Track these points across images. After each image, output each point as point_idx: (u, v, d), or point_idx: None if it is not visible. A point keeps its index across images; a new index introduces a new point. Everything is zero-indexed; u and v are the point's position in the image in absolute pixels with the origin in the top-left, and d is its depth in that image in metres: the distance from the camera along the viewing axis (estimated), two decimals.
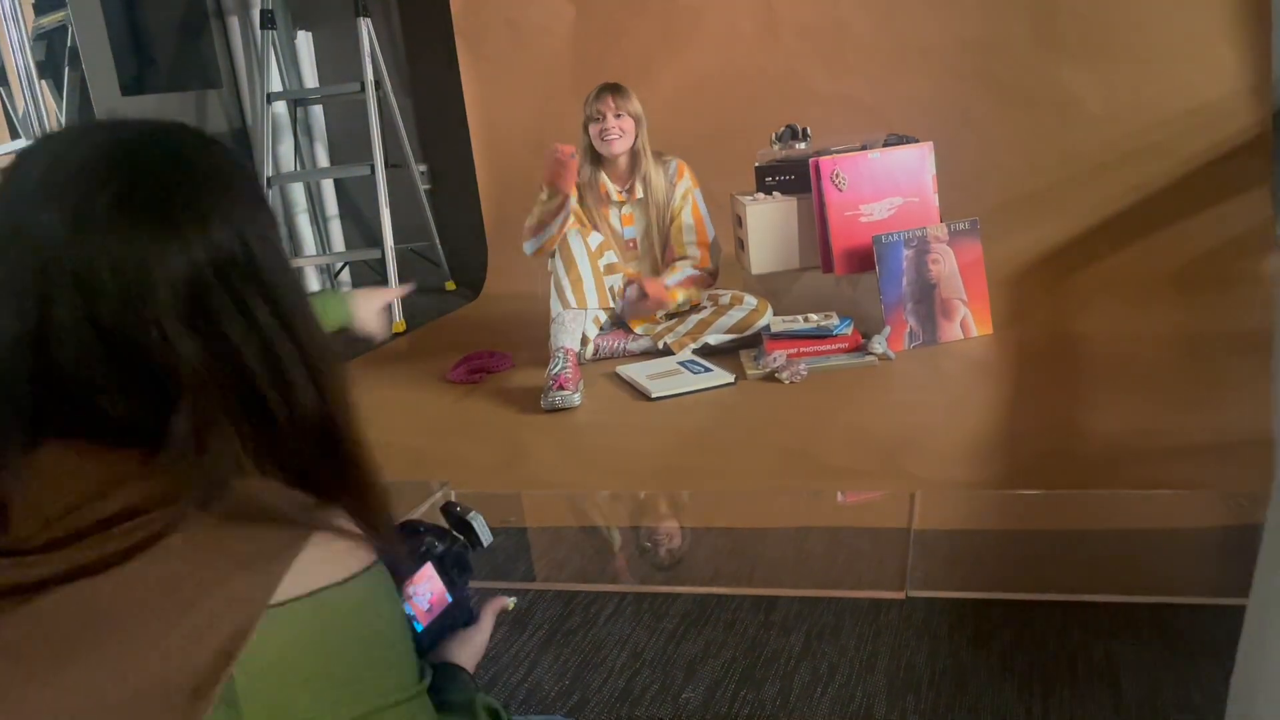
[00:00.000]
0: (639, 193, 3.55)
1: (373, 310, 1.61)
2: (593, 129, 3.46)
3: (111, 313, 0.66)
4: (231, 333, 0.69)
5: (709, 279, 3.60)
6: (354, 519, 0.70)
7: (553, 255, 3.42)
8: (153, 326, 0.67)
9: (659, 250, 3.61)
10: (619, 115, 3.43)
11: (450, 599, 0.97)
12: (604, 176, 3.55)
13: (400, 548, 0.79)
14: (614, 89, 3.46)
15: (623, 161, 3.53)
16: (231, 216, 0.71)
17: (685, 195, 3.58)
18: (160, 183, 0.70)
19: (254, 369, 0.70)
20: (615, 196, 3.56)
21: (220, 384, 0.69)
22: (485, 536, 1.04)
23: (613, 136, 3.44)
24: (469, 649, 0.96)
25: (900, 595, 1.86)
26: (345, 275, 5.30)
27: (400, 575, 0.77)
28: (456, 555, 1.00)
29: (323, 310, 1.45)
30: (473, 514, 1.04)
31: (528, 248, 3.45)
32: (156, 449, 0.67)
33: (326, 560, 0.66)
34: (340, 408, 0.75)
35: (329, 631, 0.65)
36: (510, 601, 1.07)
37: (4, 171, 0.72)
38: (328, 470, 0.74)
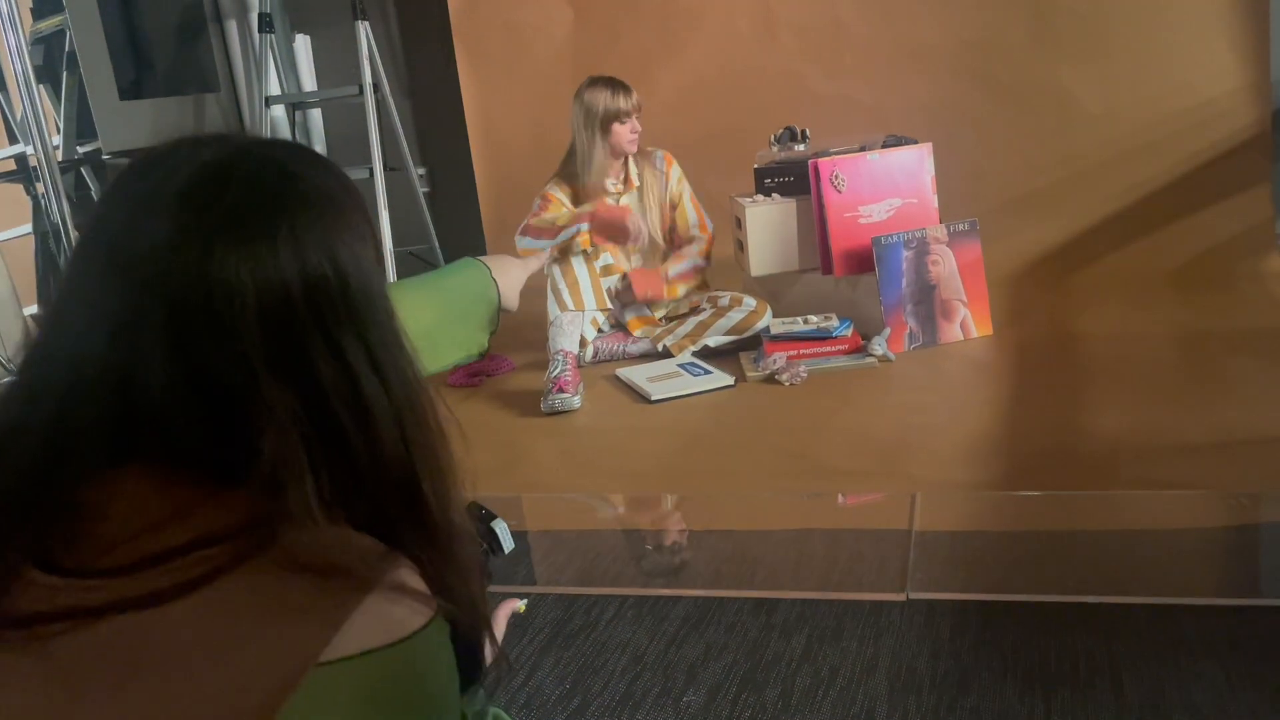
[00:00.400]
0: (635, 182, 3.56)
1: (516, 284, 1.46)
2: (621, 129, 3.45)
3: (201, 346, 0.65)
4: (319, 372, 0.67)
5: (706, 265, 3.63)
6: (422, 574, 0.67)
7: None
8: (240, 364, 0.65)
9: (660, 238, 3.60)
10: (638, 115, 3.48)
11: None
12: None
13: (469, 614, 0.73)
14: (625, 86, 3.48)
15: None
16: (329, 241, 0.69)
17: (680, 181, 3.63)
18: (260, 204, 0.68)
19: (339, 413, 0.68)
20: (610, 189, 3.55)
21: (303, 429, 0.67)
22: (507, 543, 1.03)
23: (638, 134, 3.48)
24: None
25: (901, 597, 1.86)
26: None
27: (462, 635, 0.71)
28: None
29: (469, 285, 1.36)
30: (496, 520, 1.04)
31: (521, 243, 3.44)
32: (231, 483, 0.65)
33: (381, 619, 0.63)
34: (424, 458, 0.72)
35: (375, 693, 0.62)
36: (521, 604, 1.07)
37: (104, 190, 0.71)
38: (401, 521, 0.71)
